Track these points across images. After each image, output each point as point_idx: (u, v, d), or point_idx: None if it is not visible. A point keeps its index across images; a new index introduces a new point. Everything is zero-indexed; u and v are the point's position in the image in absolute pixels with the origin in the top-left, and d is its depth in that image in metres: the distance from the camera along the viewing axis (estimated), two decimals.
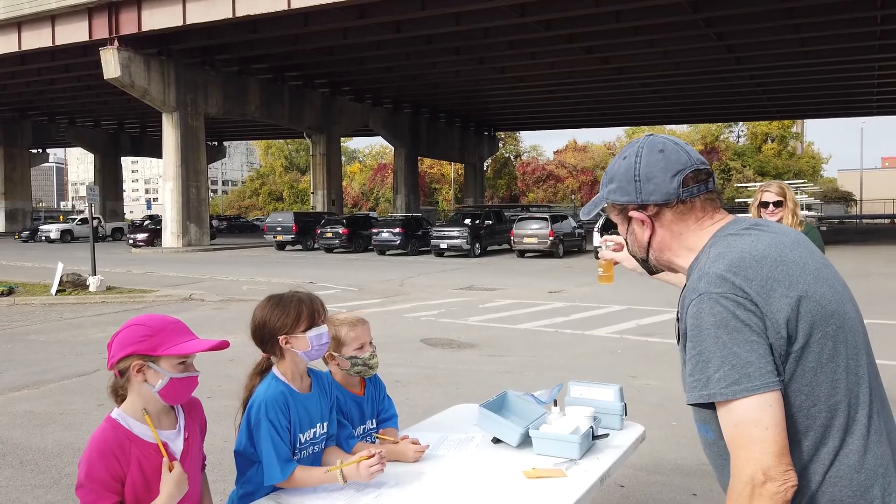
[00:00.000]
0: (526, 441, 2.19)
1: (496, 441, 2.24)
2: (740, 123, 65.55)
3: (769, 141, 66.51)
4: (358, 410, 2.29)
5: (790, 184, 25.19)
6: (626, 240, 1.47)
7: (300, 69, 32.66)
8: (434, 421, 2.58)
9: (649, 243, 1.41)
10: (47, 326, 9.84)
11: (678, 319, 1.39)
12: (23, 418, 5.27)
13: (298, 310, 1.99)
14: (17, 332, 9.39)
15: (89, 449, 1.64)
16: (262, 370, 2.03)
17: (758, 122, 62.31)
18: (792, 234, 1.35)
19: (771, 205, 4.00)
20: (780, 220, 4.01)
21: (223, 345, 1.73)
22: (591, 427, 2.14)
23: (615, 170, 1.42)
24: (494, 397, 2.38)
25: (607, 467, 2.02)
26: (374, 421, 2.35)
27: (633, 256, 1.49)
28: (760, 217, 4.06)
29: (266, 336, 1.99)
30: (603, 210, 1.48)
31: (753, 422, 1.18)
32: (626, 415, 2.39)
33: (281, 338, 1.97)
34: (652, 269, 1.52)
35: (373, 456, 1.93)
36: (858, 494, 1.23)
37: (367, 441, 2.26)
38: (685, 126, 63.66)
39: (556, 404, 2.24)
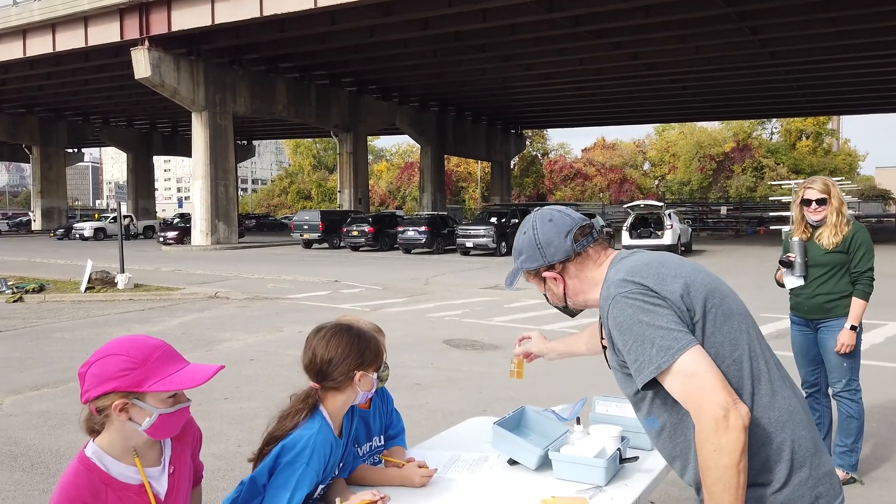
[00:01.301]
0: (545, 463, 1.99)
1: (512, 462, 2.05)
2: (773, 120, 63.96)
3: (804, 138, 64.80)
4: (364, 427, 2.11)
5: None
6: (545, 296, 1.76)
7: (327, 68, 32.73)
8: (446, 437, 2.39)
9: (565, 294, 1.70)
10: (74, 324, 9.90)
11: (605, 347, 1.68)
12: (39, 418, 5.23)
13: (377, 347, 1.90)
14: (44, 329, 9.47)
15: (58, 496, 1.43)
16: (312, 404, 1.82)
17: (792, 119, 60.76)
18: (662, 252, 1.67)
19: (814, 202, 3.72)
20: (823, 219, 3.74)
21: (219, 370, 1.53)
22: (619, 449, 1.94)
23: (521, 244, 1.71)
24: (511, 413, 2.19)
25: (637, 495, 1.82)
26: (381, 437, 2.17)
27: (556, 307, 1.78)
28: (803, 216, 3.80)
29: (341, 370, 1.81)
30: (524, 276, 1.77)
31: (693, 372, 1.41)
32: None
33: (358, 374, 1.82)
34: (572, 313, 1.79)
35: (375, 502, 1.75)
36: (777, 429, 1.47)
37: (372, 461, 2.08)
38: (716, 123, 62.39)
39: (579, 422, 2.04)
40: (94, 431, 1.48)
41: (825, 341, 3.78)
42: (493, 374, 6.65)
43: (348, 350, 1.82)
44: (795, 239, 3.83)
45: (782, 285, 3.94)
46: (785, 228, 24.73)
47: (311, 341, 1.87)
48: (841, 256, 3.71)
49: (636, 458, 1.98)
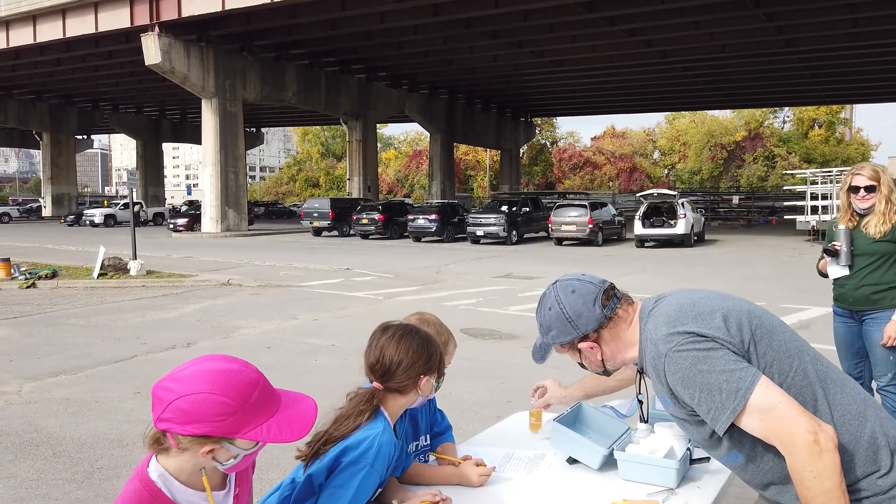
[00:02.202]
0: (607, 462, 1.90)
1: (572, 461, 1.95)
2: (786, 109, 63.22)
3: (816, 127, 64.10)
4: (412, 425, 2.02)
5: (840, 171, 24.08)
6: (580, 363, 1.74)
7: (337, 54, 32.53)
8: (493, 433, 2.29)
9: (603, 360, 1.69)
10: (88, 310, 9.87)
11: (641, 402, 1.79)
12: (58, 405, 5.17)
13: (442, 352, 1.85)
14: (58, 315, 9.44)
15: None
16: (376, 405, 1.73)
17: (804, 108, 60.10)
18: (683, 289, 1.68)
19: (862, 189, 3.58)
20: (871, 207, 3.60)
21: (315, 410, 1.37)
22: (689, 449, 1.83)
23: (548, 320, 1.68)
24: (568, 410, 2.08)
25: (712, 499, 1.71)
26: (427, 437, 2.08)
27: (594, 373, 1.77)
28: (850, 203, 3.67)
29: (409, 374, 1.74)
30: (555, 349, 1.73)
31: (767, 406, 1.41)
32: None
33: (424, 378, 1.76)
34: (610, 373, 1.77)
35: (437, 503, 1.68)
36: (862, 420, 1.48)
37: (420, 459, 1.99)
38: (728, 111, 61.74)
39: (643, 420, 1.93)
40: (160, 450, 1.33)
41: (871, 334, 3.65)
42: (514, 364, 6.57)
43: (419, 354, 1.75)
44: (841, 227, 3.69)
45: (825, 275, 3.81)
46: (800, 218, 24.46)
47: (379, 341, 1.79)
48: (889, 246, 3.57)
49: (707, 459, 1.87)
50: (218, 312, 9.66)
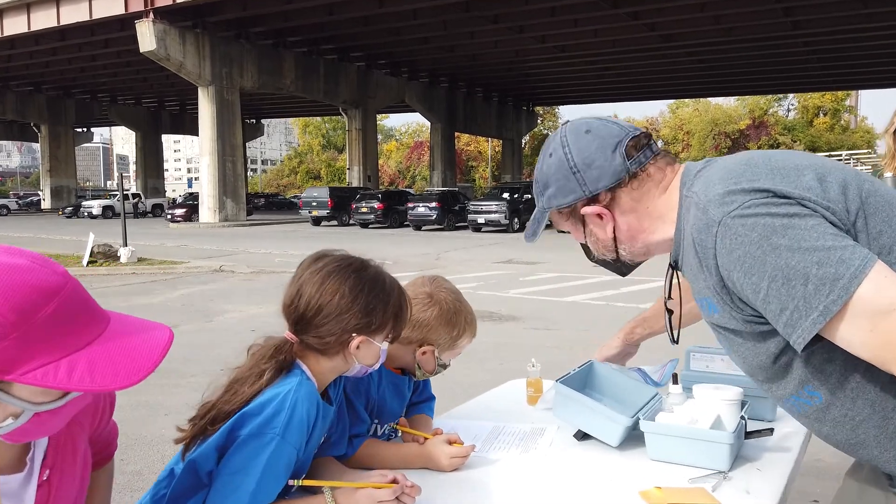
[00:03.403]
0: (630, 438, 1.43)
1: (582, 436, 1.48)
2: (790, 96, 62.62)
3: (821, 115, 63.49)
4: (398, 398, 1.54)
5: (849, 154, 23.64)
6: (586, 246, 1.24)
7: (335, 41, 32.00)
8: (481, 402, 1.83)
9: (615, 237, 1.17)
10: None
11: (671, 312, 1.25)
12: None
13: (398, 307, 1.28)
14: None
15: None
16: (284, 362, 1.21)
17: (809, 96, 59.52)
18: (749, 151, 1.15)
19: None
20: None
21: (167, 344, 0.81)
22: (743, 418, 1.35)
23: (546, 172, 1.19)
24: (576, 369, 1.61)
25: (782, 488, 1.23)
26: (405, 409, 1.62)
27: (603, 262, 1.26)
28: None
29: (331, 327, 1.21)
30: (553, 221, 1.22)
31: (889, 305, 0.88)
32: None
33: (357, 339, 1.22)
34: (624, 270, 1.27)
35: (393, 483, 1.18)
36: None
37: (393, 439, 1.51)
38: (731, 99, 61.13)
39: (676, 380, 1.45)
40: None
41: None
42: (513, 345, 6.23)
43: (350, 301, 1.21)
44: (888, 175, 3.21)
45: None
46: None
47: (303, 274, 1.26)
48: None
49: (770, 431, 1.37)
50: (206, 297, 9.28)
